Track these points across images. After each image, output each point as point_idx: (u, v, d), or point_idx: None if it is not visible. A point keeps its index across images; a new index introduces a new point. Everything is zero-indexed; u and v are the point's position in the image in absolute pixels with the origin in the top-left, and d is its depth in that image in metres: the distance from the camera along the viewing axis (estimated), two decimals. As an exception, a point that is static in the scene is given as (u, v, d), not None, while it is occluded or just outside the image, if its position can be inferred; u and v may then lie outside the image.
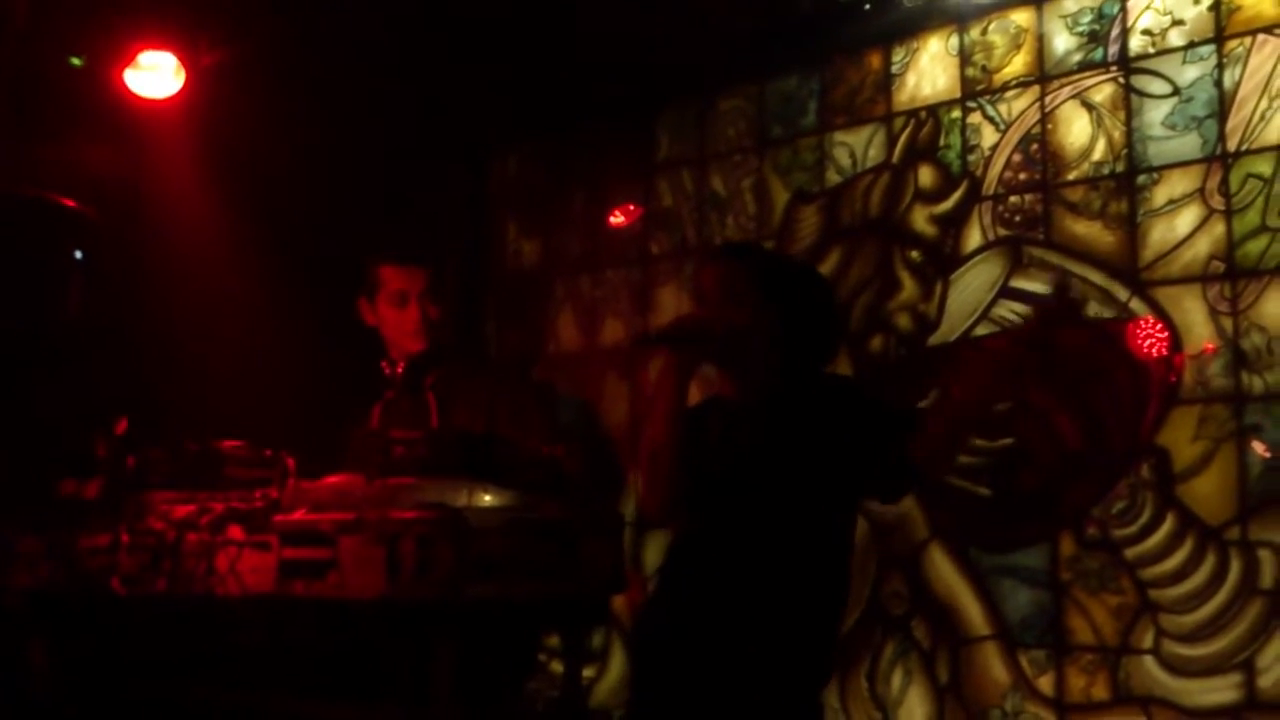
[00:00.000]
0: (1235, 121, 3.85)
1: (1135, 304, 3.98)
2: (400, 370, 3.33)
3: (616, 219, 5.19)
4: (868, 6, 4.44)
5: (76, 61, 4.63)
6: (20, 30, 4.40)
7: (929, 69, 4.49)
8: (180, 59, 4.62)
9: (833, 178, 4.69)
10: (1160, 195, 3.98)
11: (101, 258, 4.31)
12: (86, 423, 3.33)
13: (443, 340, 3.43)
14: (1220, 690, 3.71)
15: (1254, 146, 3.81)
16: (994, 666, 4.11)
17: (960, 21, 4.41)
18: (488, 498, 2.79)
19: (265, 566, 2.82)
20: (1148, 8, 4.06)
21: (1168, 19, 4.02)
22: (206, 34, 4.67)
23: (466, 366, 3.41)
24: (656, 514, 2.76)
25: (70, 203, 4.19)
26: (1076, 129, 4.16)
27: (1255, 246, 3.79)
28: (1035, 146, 4.23)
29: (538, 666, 3.06)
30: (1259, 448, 3.73)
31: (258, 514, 2.91)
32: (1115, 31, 4.11)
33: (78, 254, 4.23)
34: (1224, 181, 3.85)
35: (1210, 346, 3.84)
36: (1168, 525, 3.86)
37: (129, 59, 4.60)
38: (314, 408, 3.88)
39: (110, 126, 4.71)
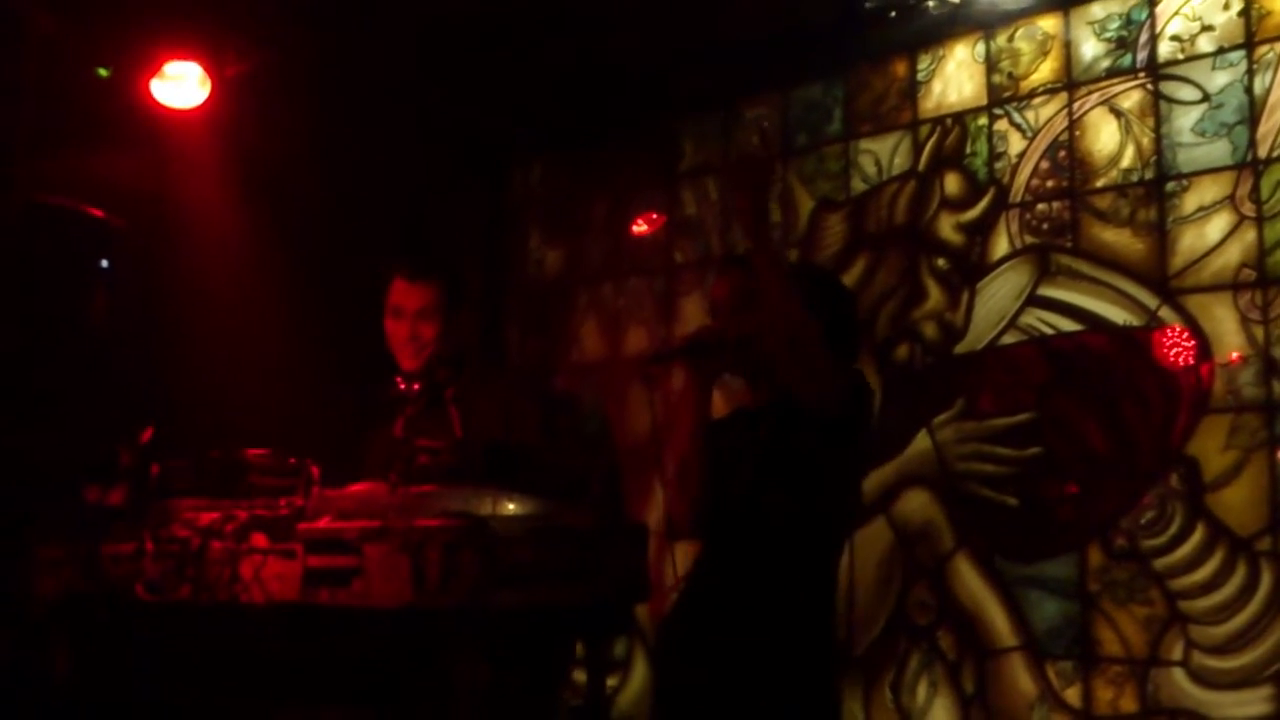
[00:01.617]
0: (1266, 128, 3.81)
1: (1165, 312, 3.95)
2: (416, 388, 3.33)
3: (640, 227, 5.19)
4: (893, 14, 4.42)
5: (103, 72, 4.66)
6: (47, 40, 4.43)
7: (955, 76, 4.47)
8: (206, 69, 4.64)
9: (858, 185, 4.67)
10: (1190, 202, 3.95)
11: (127, 267, 4.33)
12: (111, 431, 3.34)
13: (449, 351, 3.40)
14: (1251, 703, 3.67)
15: (1285, 153, 3.78)
16: (1020, 678, 4.08)
17: (987, 28, 4.39)
18: (512, 506, 2.78)
19: (290, 574, 2.82)
20: (1177, 13, 4.03)
21: (1197, 25, 3.99)
22: (232, 45, 4.69)
23: (486, 376, 3.40)
24: (686, 527, 2.76)
25: (96, 212, 4.21)
26: (1105, 136, 4.13)
27: (1287, 254, 3.76)
28: (1063, 153, 4.20)
29: (568, 677, 3.04)
30: (1292, 458, 3.69)
31: (282, 522, 2.90)
32: (1144, 37, 4.08)
33: (103, 263, 4.25)
34: (1255, 188, 3.82)
35: (1239, 356, 3.80)
36: (1197, 536, 3.82)
37: (155, 69, 4.63)
38: (338, 416, 3.89)
39: (136, 136, 4.74)
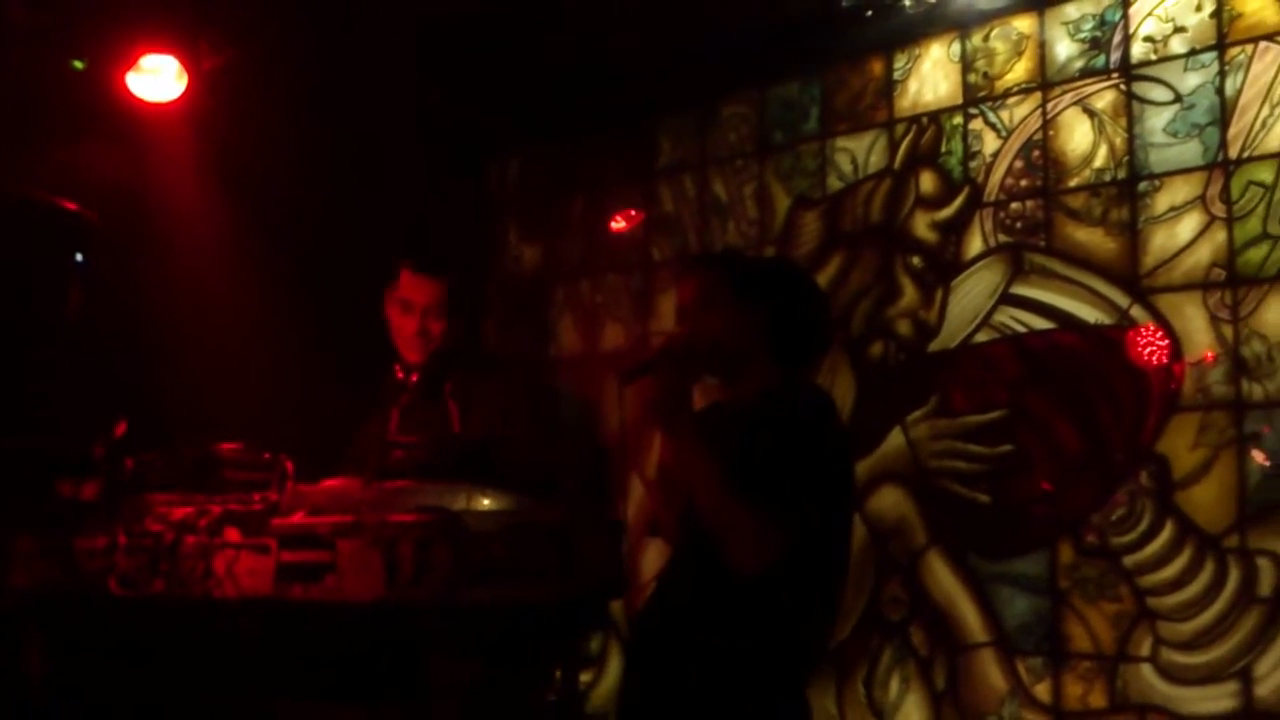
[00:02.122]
0: (1237, 129, 3.84)
1: (1136, 311, 3.98)
2: (415, 379, 3.33)
3: (618, 224, 5.20)
4: (869, 13, 4.43)
5: (78, 64, 4.63)
6: (21, 32, 4.41)
7: (931, 75, 4.49)
8: (182, 63, 4.62)
9: (834, 183, 4.69)
10: (1161, 202, 3.98)
11: (101, 261, 4.32)
12: (85, 425, 3.34)
13: (448, 347, 3.42)
14: (1217, 698, 3.70)
15: (1255, 154, 3.80)
16: (991, 673, 4.11)
17: (962, 28, 4.41)
18: (486, 501, 2.79)
19: (263, 569, 2.83)
20: (1149, 14, 4.06)
21: (1169, 26, 4.01)
22: (208, 38, 4.67)
23: (482, 371, 3.41)
24: (672, 534, 2.76)
25: (71, 206, 4.20)
26: (1078, 135, 4.15)
27: (1256, 254, 3.78)
28: (1037, 153, 4.22)
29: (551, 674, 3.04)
30: (1259, 456, 3.72)
31: (255, 517, 2.91)
32: (1117, 38, 4.11)
33: (78, 257, 4.24)
34: (1225, 189, 3.85)
35: (1209, 355, 3.83)
36: (1166, 533, 3.85)
37: (131, 62, 4.60)
38: (313, 412, 3.89)
39: (112, 130, 4.71)
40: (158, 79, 4.64)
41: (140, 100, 4.64)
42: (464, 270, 3.50)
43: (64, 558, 3.18)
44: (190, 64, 4.64)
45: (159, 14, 4.57)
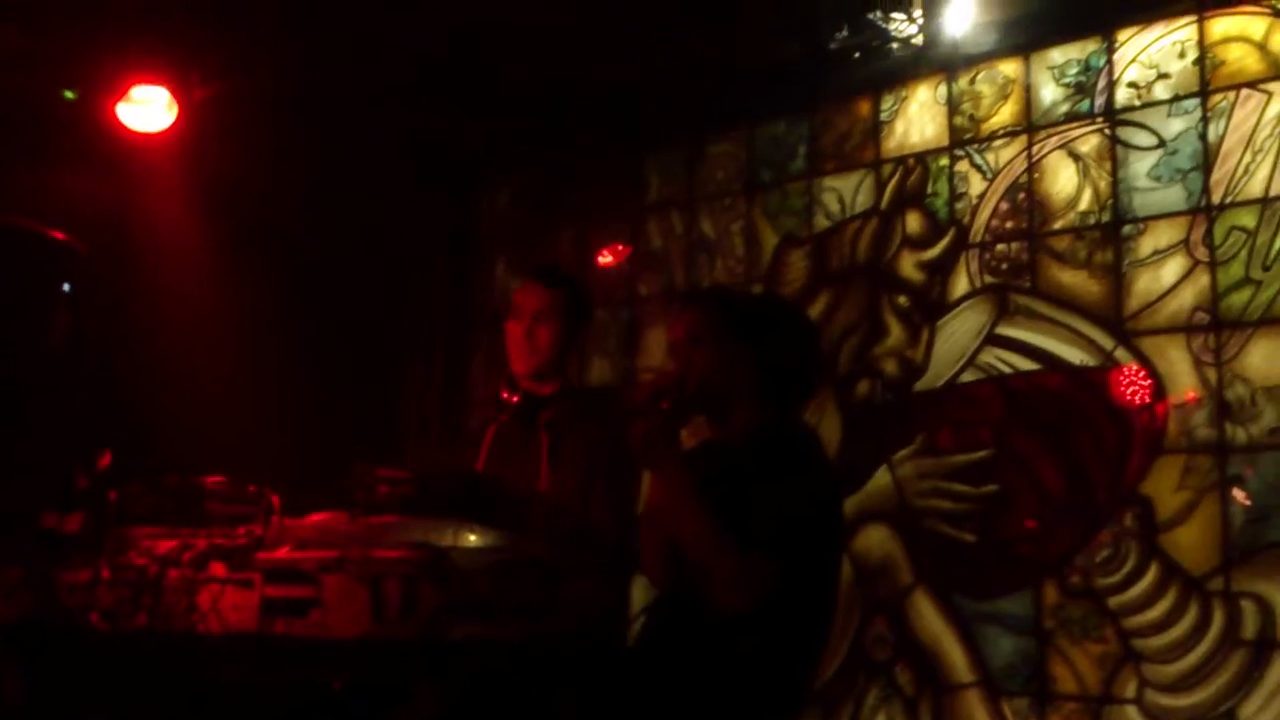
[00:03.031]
0: (1220, 174, 3.89)
1: (1120, 353, 4.01)
2: (516, 400, 3.26)
3: (605, 259, 5.21)
4: (857, 55, 4.48)
5: (69, 94, 4.64)
6: (12, 61, 4.41)
7: (918, 117, 4.54)
8: (173, 93, 4.64)
9: (821, 222, 4.72)
10: (1145, 245, 4.02)
11: (89, 291, 4.30)
12: (69, 456, 3.31)
13: (555, 374, 3.29)
14: (1202, 740, 3.71)
15: (1238, 199, 3.85)
16: (977, 714, 4.10)
17: (949, 71, 4.46)
18: (473, 537, 2.78)
19: (247, 604, 2.80)
20: (1134, 60, 4.11)
21: (1153, 72, 4.07)
22: (199, 69, 4.69)
23: (584, 407, 3.26)
24: (658, 579, 2.75)
25: (59, 235, 4.18)
26: (1063, 179, 4.20)
27: (1239, 298, 3.82)
28: (1022, 195, 4.27)
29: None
30: (1241, 498, 3.74)
31: (240, 551, 2.88)
32: (1101, 83, 4.16)
33: (65, 286, 4.22)
34: (1208, 233, 3.89)
35: (1192, 396, 3.85)
36: (1151, 575, 3.86)
37: (121, 93, 4.62)
38: (302, 443, 3.88)
39: (101, 159, 4.73)
40: (148, 109, 4.65)
41: (130, 130, 4.65)
42: (578, 291, 3.39)
43: (46, 590, 3.14)
44: (181, 95, 4.66)
45: (150, 45, 4.59)
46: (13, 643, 3.21)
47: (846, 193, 4.67)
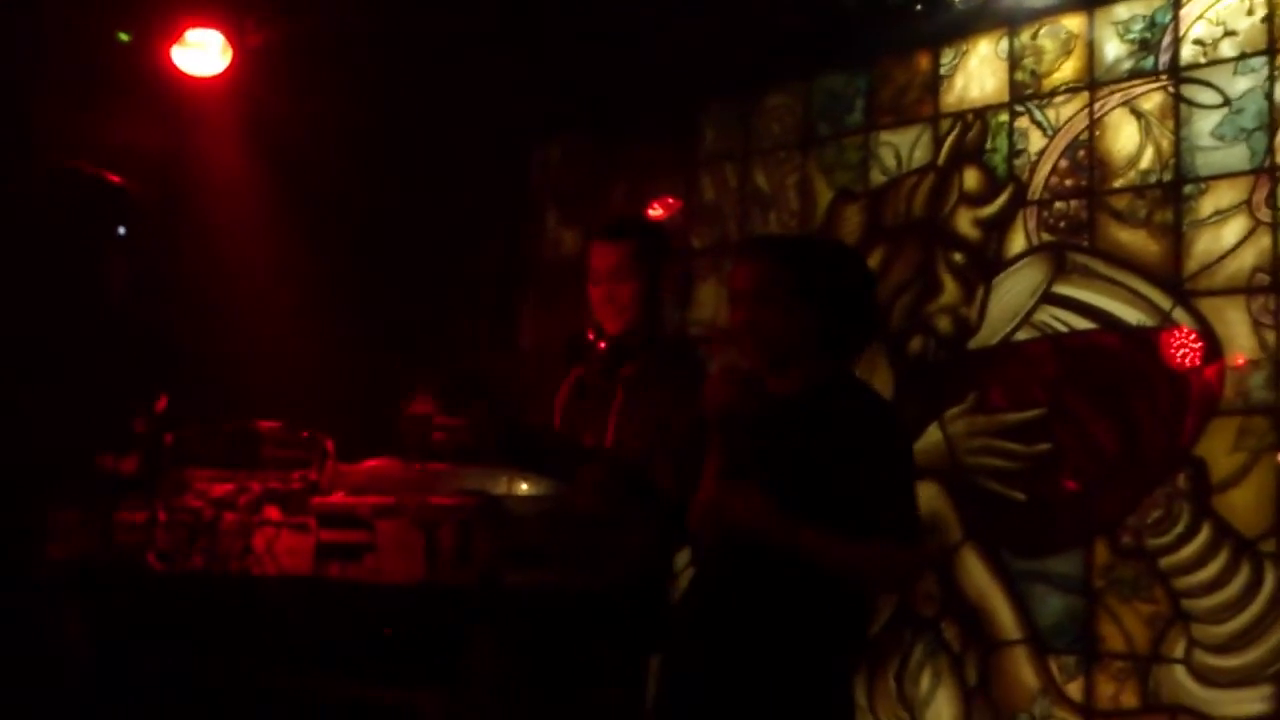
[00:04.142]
0: (1285, 134, 3.82)
1: (1178, 313, 3.96)
2: (601, 347, 3.19)
3: (658, 211, 5.19)
4: (918, 7, 4.42)
5: (124, 37, 4.65)
6: (66, 4, 4.42)
7: (978, 72, 4.48)
8: (227, 37, 4.64)
9: (877, 177, 4.67)
10: (1206, 206, 3.96)
11: (145, 234, 4.34)
12: (126, 399, 3.35)
13: (643, 326, 3.18)
14: (1250, 702, 3.69)
15: (1303, 160, 3.78)
16: (1023, 671, 4.11)
17: (1011, 25, 4.39)
18: (526, 486, 2.79)
19: (302, 548, 2.83)
20: (1200, 17, 4.03)
21: (1220, 29, 3.99)
22: (254, 14, 4.69)
23: (665, 364, 3.15)
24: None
25: (115, 178, 4.21)
26: (1124, 137, 4.13)
27: (1300, 260, 3.77)
28: (1082, 153, 4.21)
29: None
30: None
31: (296, 495, 2.92)
32: (1167, 40, 4.08)
33: (121, 230, 4.25)
34: (1271, 194, 3.82)
35: (1242, 359, 3.81)
36: (1203, 536, 3.84)
37: (176, 36, 4.62)
38: (356, 390, 3.90)
39: (156, 103, 4.74)
40: (203, 53, 4.66)
41: (185, 74, 4.66)
42: (649, 236, 3.30)
43: (103, 531, 3.19)
44: (235, 39, 4.66)
45: (205, -12, 4.60)
46: (71, 582, 3.27)
47: (904, 148, 4.62)
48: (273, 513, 2.93)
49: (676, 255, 3.43)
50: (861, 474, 2.42)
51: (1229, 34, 3.98)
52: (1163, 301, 4.00)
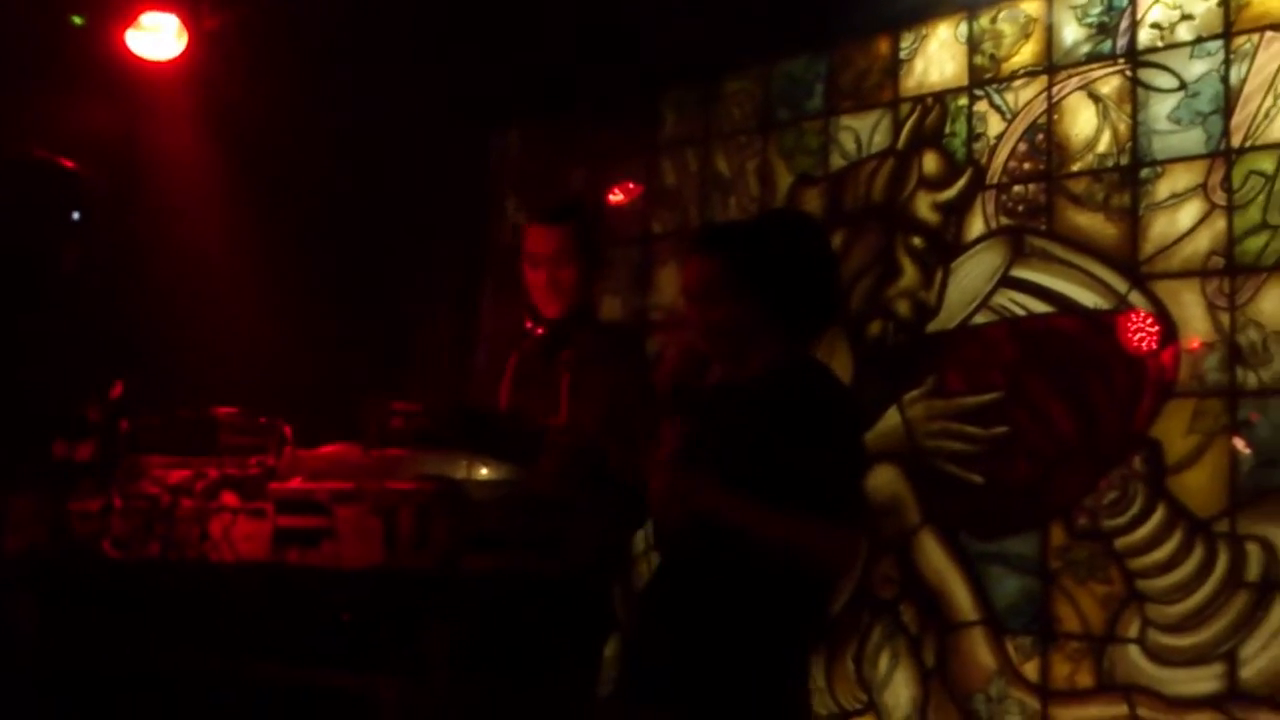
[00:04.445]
0: (1240, 118, 3.85)
1: (1134, 296, 3.99)
2: (540, 332, 3.20)
3: (618, 196, 5.18)
4: (877, -9, 4.43)
5: (78, 20, 4.60)
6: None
7: (937, 56, 4.49)
8: (183, 21, 4.60)
9: (837, 162, 4.68)
10: (1163, 189, 3.98)
11: (98, 219, 4.30)
12: (80, 385, 3.32)
13: (578, 307, 3.22)
14: (1203, 680, 3.73)
15: (1258, 143, 3.81)
16: (980, 652, 4.14)
17: (970, 9, 4.40)
18: (485, 471, 2.79)
19: (260, 534, 2.82)
20: (1157, 1, 4.05)
21: (1176, 13, 4.01)
22: (209, -2, 4.65)
23: (607, 344, 3.19)
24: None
25: (68, 163, 4.16)
26: (1082, 120, 4.16)
27: (1255, 243, 3.79)
28: (1040, 137, 4.23)
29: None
30: (1239, 444, 3.74)
31: (252, 481, 2.90)
32: (1124, 24, 4.10)
33: (75, 215, 4.21)
34: (1226, 177, 3.85)
35: (1198, 342, 3.84)
36: (1157, 517, 3.88)
37: (131, 19, 4.58)
38: (312, 374, 3.88)
39: (110, 87, 4.70)
40: (158, 37, 4.62)
41: (139, 58, 4.62)
42: (586, 218, 3.30)
43: (58, 520, 3.16)
44: (191, 22, 4.62)
45: (160, -28, 4.55)
46: (25, 571, 3.24)
47: (863, 132, 4.63)
48: (230, 499, 2.91)
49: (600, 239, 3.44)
50: (802, 455, 2.43)
51: (1185, 18, 4.00)
52: (1119, 285, 4.03)
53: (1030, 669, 4.04)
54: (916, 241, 4.44)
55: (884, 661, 4.32)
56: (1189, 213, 3.93)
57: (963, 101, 4.40)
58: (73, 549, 3.11)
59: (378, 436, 2.92)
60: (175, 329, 4.47)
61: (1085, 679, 3.94)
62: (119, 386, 3.30)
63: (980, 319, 4.26)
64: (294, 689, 2.80)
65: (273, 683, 2.84)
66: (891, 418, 4.37)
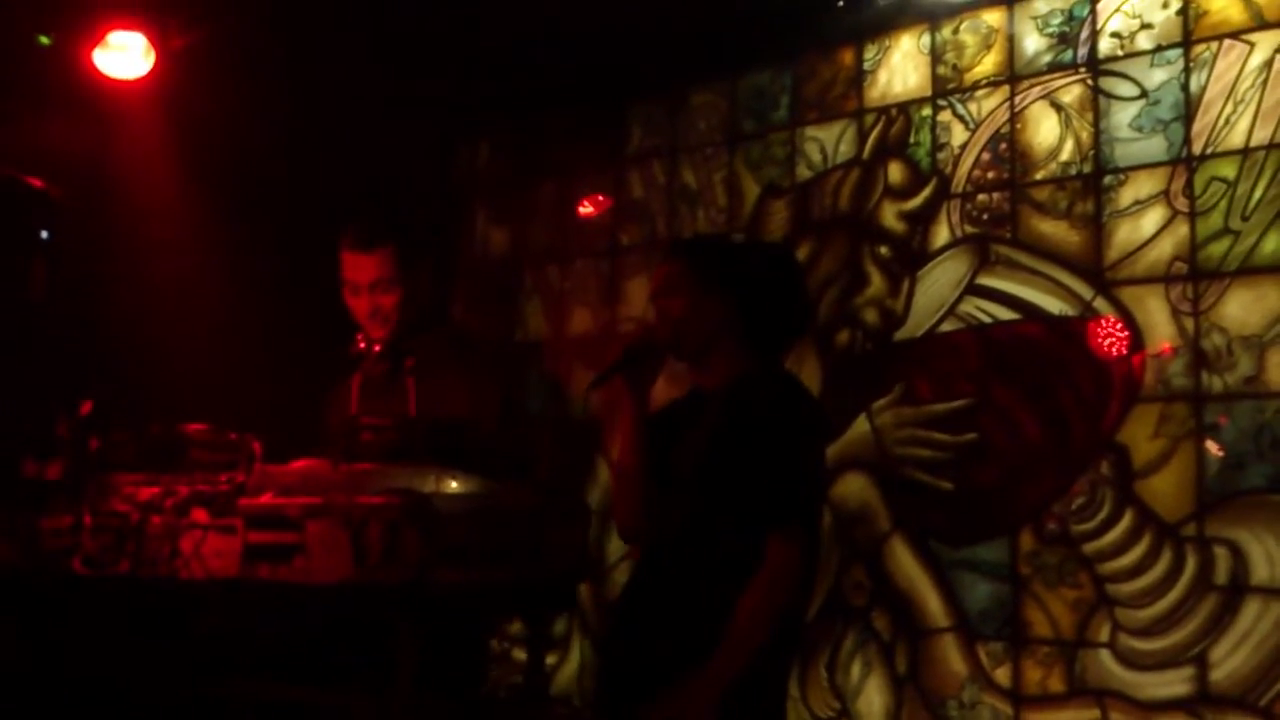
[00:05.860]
0: (1201, 125, 3.89)
1: (1099, 303, 4.02)
2: (376, 350, 3.22)
3: (586, 209, 5.21)
4: (840, 3, 4.47)
5: (45, 40, 4.59)
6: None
7: (901, 66, 4.53)
8: (150, 40, 4.59)
9: (803, 173, 4.71)
10: (1126, 196, 4.02)
11: (67, 238, 4.29)
12: (49, 403, 3.31)
13: (412, 318, 3.25)
14: (1173, 683, 3.75)
15: (1219, 150, 3.85)
16: (952, 658, 4.16)
17: (932, 20, 4.44)
18: (454, 484, 2.80)
19: (230, 550, 2.82)
20: (1117, 10, 4.10)
21: (1136, 22, 4.06)
22: (177, 16, 4.64)
23: (448, 350, 3.23)
24: (628, 533, 2.79)
25: (36, 182, 4.16)
26: (1045, 129, 4.19)
27: (1217, 249, 3.83)
28: (1004, 146, 4.26)
29: (492, 653, 3.04)
30: (1216, 447, 3.78)
31: (222, 497, 2.90)
32: (1085, 33, 4.15)
33: (43, 234, 4.20)
34: (1189, 184, 3.89)
35: (1167, 347, 3.88)
36: (1126, 521, 3.91)
37: (98, 38, 4.57)
38: (283, 391, 3.87)
39: (78, 106, 4.68)
40: (125, 56, 4.61)
41: (107, 77, 4.61)
42: (416, 230, 3.30)
43: (28, 538, 3.15)
44: (158, 41, 4.61)
45: (127, -10, 4.54)
46: (-4, 590, 3.23)
47: (829, 143, 4.66)
48: (200, 515, 2.90)
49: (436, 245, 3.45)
50: (758, 463, 2.46)
51: (1145, 27, 4.04)
52: (1084, 291, 4.06)
53: (1002, 674, 4.06)
54: (883, 250, 4.47)
55: (856, 669, 4.34)
56: (1152, 219, 3.97)
57: (926, 112, 4.44)
58: (44, 567, 3.10)
59: (347, 451, 2.93)
60: (144, 346, 4.45)
61: (1057, 684, 3.96)
62: (88, 404, 3.29)
63: (947, 327, 4.29)
64: (267, 705, 2.79)
65: (246, 699, 2.84)
66: (860, 426, 4.40)
